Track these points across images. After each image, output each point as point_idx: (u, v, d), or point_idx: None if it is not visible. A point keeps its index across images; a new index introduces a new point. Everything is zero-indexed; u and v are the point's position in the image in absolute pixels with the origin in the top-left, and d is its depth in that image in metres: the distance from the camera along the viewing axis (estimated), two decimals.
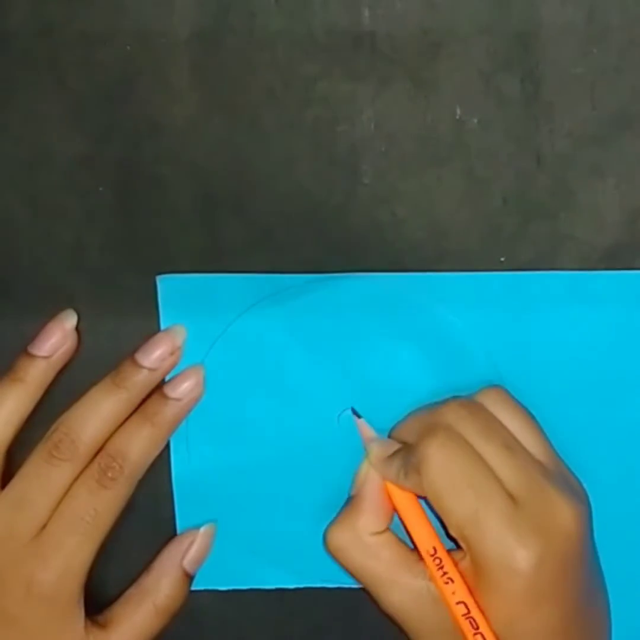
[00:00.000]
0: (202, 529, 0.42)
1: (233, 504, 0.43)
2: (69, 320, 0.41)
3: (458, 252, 0.41)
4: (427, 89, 0.40)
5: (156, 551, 0.42)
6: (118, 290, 0.42)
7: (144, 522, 0.43)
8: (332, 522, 0.39)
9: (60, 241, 0.42)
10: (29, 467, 0.40)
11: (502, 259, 0.41)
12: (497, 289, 0.41)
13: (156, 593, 0.41)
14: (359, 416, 0.41)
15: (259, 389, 0.42)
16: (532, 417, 0.40)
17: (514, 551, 0.36)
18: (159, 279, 0.41)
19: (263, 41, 0.40)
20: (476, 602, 0.37)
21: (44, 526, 0.39)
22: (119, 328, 0.42)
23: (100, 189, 0.42)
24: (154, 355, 0.41)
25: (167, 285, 0.41)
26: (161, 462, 0.42)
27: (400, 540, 0.39)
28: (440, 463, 0.37)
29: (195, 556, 0.42)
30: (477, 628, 0.37)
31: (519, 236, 0.41)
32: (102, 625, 0.40)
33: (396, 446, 0.40)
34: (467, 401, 0.39)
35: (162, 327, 0.42)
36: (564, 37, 0.40)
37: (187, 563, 0.42)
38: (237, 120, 0.41)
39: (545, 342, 0.41)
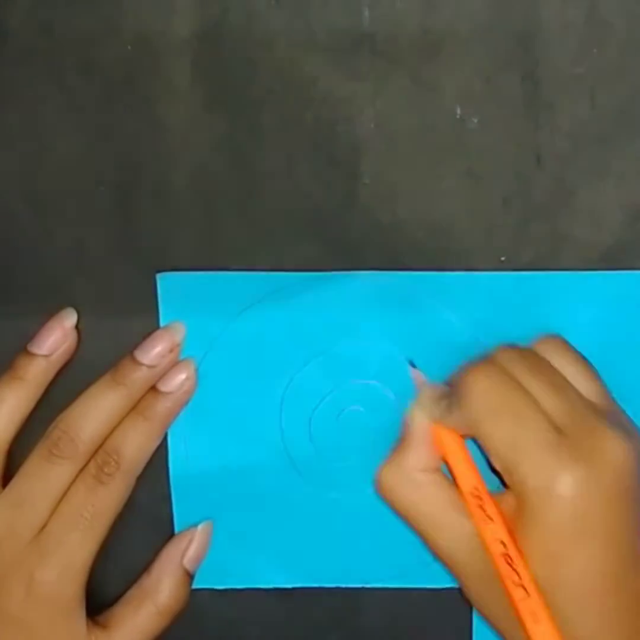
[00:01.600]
0: (199, 527, 0.42)
1: (231, 503, 0.43)
2: (68, 319, 0.41)
3: (458, 252, 0.41)
4: (427, 88, 0.40)
5: (155, 551, 0.42)
6: (118, 290, 0.42)
7: (143, 523, 0.43)
8: (381, 464, 0.39)
9: (60, 241, 0.42)
10: (28, 466, 0.40)
11: (502, 259, 0.41)
12: (497, 289, 0.41)
13: (157, 593, 0.41)
14: (414, 366, 0.41)
15: (258, 387, 0.42)
16: (590, 365, 0.39)
17: (554, 476, 0.35)
18: (159, 277, 0.41)
19: (263, 41, 0.40)
20: (515, 541, 0.36)
21: (45, 525, 0.39)
22: (119, 327, 0.42)
23: (101, 188, 0.42)
24: (153, 353, 0.41)
25: (166, 282, 0.41)
26: (159, 461, 0.42)
27: (451, 482, 0.38)
28: (481, 390, 0.36)
29: (195, 554, 0.42)
30: (514, 568, 0.35)
31: (519, 236, 0.41)
32: (104, 626, 0.40)
33: (445, 390, 0.39)
34: (520, 346, 0.39)
35: (162, 324, 0.42)
36: (564, 37, 0.40)
37: (187, 562, 0.42)
38: (237, 120, 0.41)
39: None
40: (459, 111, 0.40)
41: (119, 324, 0.42)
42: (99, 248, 0.42)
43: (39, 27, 0.41)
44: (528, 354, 0.38)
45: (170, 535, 0.42)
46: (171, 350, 0.41)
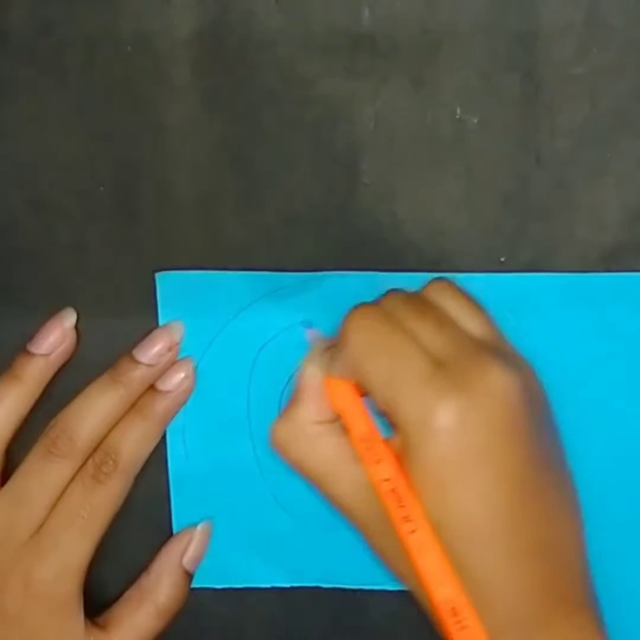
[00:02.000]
0: (199, 527, 0.42)
1: (230, 502, 0.43)
2: (68, 319, 0.41)
3: (458, 252, 0.41)
4: (427, 88, 0.40)
5: (154, 551, 0.42)
6: (118, 290, 0.42)
7: (142, 522, 0.43)
8: (275, 419, 0.38)
9: (60, 241, 0.42)
10: (27, 464, 0.40)
11: (502, 259, 0.41)
12: (495, 290, 0.41)
13: (156, 593, 0.41)
14: (311, 327, 0.40)
15: (257, 387, 0.42)
16: (479, 304, 0.38)
17: (432, 407, 0.34)
18: (158, 276, 0.41)
19: (263, 41, 0.40)
20: (404, 478, 0.35)
21: (42, 524, 0.39)
22: (118, 327, 0.42)
23: (101, 188, 0.42)
24: (152, 351, 0.41)
25: (166, 282, 0.41)
26: (158, 461, 0.42)
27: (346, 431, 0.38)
28: (359, 331, 0.36)
29: (194, 554, 0.42)
30: (403, 506, 0.35)
31: (519, 236, 0.41)
32: (102, 627, 0.40)
33: (335, 341, 0.38)
34: (406, 291, 0.38)
35: (161, 323, 0.42)
36: (564, 37, 0.40)
37: (186, 562, 0.42)
38: (237, 120, 0.41)
39: (544, 344, 0.41)
40: (459, 111, 0.40)
41: (119, 324, 0.42)
42: (99, 248, 0.42)
43: (39, 27, 0.41)
44: (413, 297, 0.38)
45: (169, 534, 0.42)
46: (170, 349, 0.41)
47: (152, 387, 0.41)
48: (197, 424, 0.42)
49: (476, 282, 0.41)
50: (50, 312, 0.41)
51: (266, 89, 0.41)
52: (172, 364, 0.41)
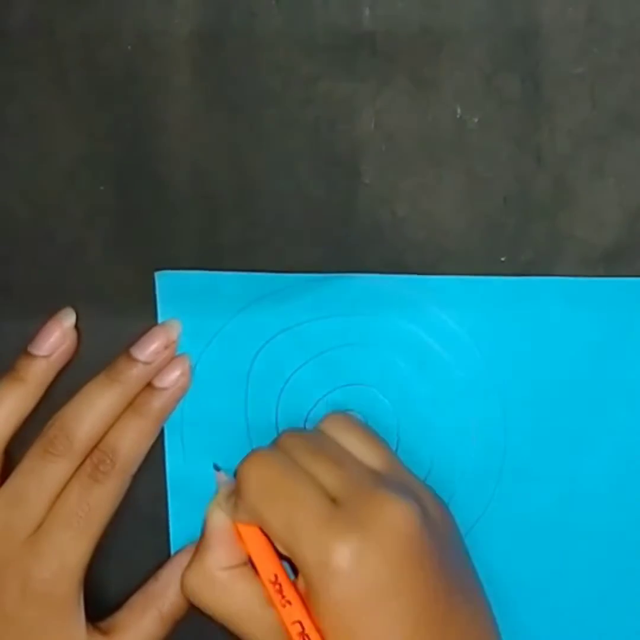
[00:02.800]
0: None
1: None
2: (67, 319, 0.41)
3: (458, 252, 0.41)
4: (428, 88, 0.40)
5: (151, 551, 0.42)
6: (118, 289, 0.42)
7: (139, 523, 0.43)
8: (185, 567, 0.39)
9: (60, 241, 0.42)
10: (25, 464, 0.40)
11: (503, 259, 0.41)
12: (497, 293, 0.41)
13: (162, 600, 0.41)
14: (218, 469, 0.40)
15: (254, 388, 0.42)
16: (375, 434, 0.39)
17: (330, 549, 0.34)
18: (158, 275, 0.41)
19: (263, 41, 0.40)
20: (312, 619, 0.35)
21: (40, 524, 0.39)
22: (118, 327, 0.42)
23: (101, 188, 0.42)
24: (149, 349, 0.41)
25: (165, 281, 0.41)
26: (156, 460, 0.42)
27: (257, 574, 0.38)
28: (255, 478, 0.37)
29: None
30: None
31: (519, 236, 0.41)
32: (105, 632, 0.40)
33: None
34: (301, 430, 0.40)
35: (160, 322, 0.42)
36: (564, 37, 0.40)
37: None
38: (237, 120, 0.41)
39: (543, 347, 0.41)
40: (459, 111, 0.40)
41: (119, 324, 0.42)
42: (98, 248, 0.42)
43: (39, 27, 0.41)
44: (309, 435, 0.39)
45: (166, 536, 0.42)
46: (167, 347, 0.41)
47: (149, 385, 0.41)
48: (195, 425, 0.42)
49: (476, 285, 0.41)
50: (50, 312, 0.41)
51: (266, 89, 0.41)
52: (168, 361, 0.41)
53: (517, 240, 0.41)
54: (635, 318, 0.41)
